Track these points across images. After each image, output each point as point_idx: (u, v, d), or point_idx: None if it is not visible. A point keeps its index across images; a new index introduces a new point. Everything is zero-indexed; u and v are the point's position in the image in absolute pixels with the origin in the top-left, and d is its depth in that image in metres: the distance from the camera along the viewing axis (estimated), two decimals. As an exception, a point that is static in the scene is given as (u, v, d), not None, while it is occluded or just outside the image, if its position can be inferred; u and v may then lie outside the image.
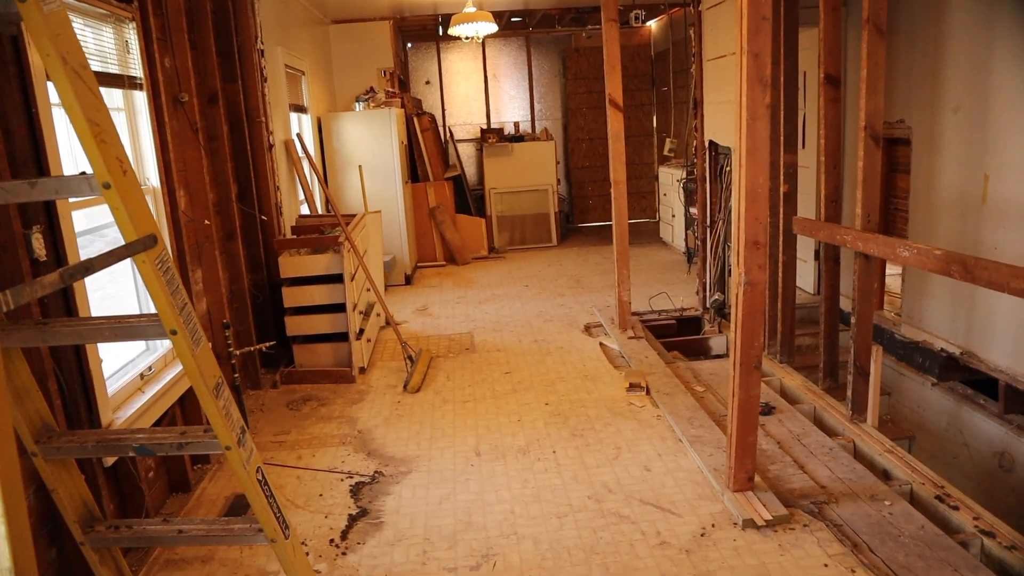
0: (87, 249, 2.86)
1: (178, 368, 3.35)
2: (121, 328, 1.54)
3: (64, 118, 2.58)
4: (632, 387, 4.28)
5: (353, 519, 3.08)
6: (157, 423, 3.14)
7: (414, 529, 2.98)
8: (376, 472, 3.49)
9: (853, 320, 3.67)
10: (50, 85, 2.44)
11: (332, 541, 2.92)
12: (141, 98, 3.24)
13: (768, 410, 3.91)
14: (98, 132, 1.36)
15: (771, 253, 4.46)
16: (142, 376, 3.06)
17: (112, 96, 3.13)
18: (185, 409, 3.51)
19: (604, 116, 10.03)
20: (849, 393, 3.75)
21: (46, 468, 1.73)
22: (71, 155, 2.73)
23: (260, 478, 1.72)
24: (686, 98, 8.98)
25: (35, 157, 2.36)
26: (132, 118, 3.23)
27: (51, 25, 1.27)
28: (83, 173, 1.49)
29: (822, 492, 3.12)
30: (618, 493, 3.16)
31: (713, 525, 2.86)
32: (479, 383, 4.61)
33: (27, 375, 1.69)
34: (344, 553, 2.84)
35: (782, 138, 4.32)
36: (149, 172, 3.30)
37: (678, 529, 2.84)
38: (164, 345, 3.44)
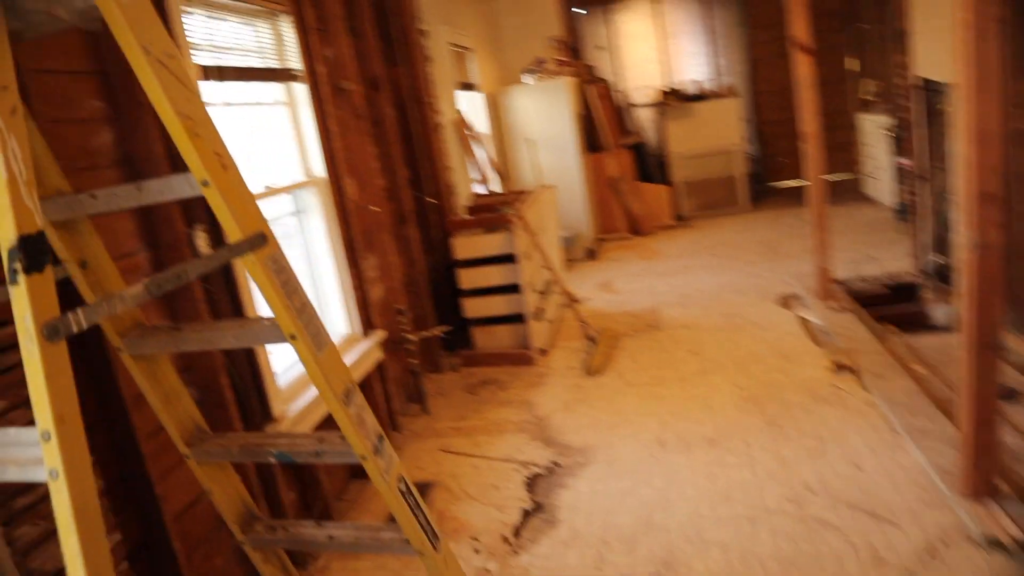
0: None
1: (357, 352, 3.37)
2: (244, 332, 1.45)
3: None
4: (837, 367, 3.78)
5: (527, 515, 2.93)
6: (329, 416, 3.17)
7: (590, 528, 2.77)
8: (552, 463, 3.32)
9: None
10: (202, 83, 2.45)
11: (504, 538, 2.79)
12: (302, 90, 3.24)
13: (1010, 394, 3.28)
14: (190, 126, 1.25)
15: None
16: (316, 368, 3.08)
17: (274, 90, 3.16)
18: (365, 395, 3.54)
19: (792, 65, 9.20)
20: (1122, 373, 3.05)
21: (199, 470, 1.70)
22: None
23: (403, 488, 1.57)
24: (889, 34, 7.94)
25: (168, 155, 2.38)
26: (294, 110, 3.25)
27: (128, 14, 1.16)
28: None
29: (1090, 499, 2.53)
30: (822, 495, 2.76)
31: (943, 541, 2.39)
32: (664, 364, 4.30)
33: (174, 378, 1.66)
34: (516, 552, 2.69)
35: (1010, 60, 3.57)
36: (314, 163, 3.31)
37: (898, 544, 2.41)
38: (342, 328, 3.48)
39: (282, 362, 3.00)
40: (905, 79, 4.76)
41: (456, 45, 5.94)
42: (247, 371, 2.54)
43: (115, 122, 2.19)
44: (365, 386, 3.54)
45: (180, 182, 1.32)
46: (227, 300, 2.48)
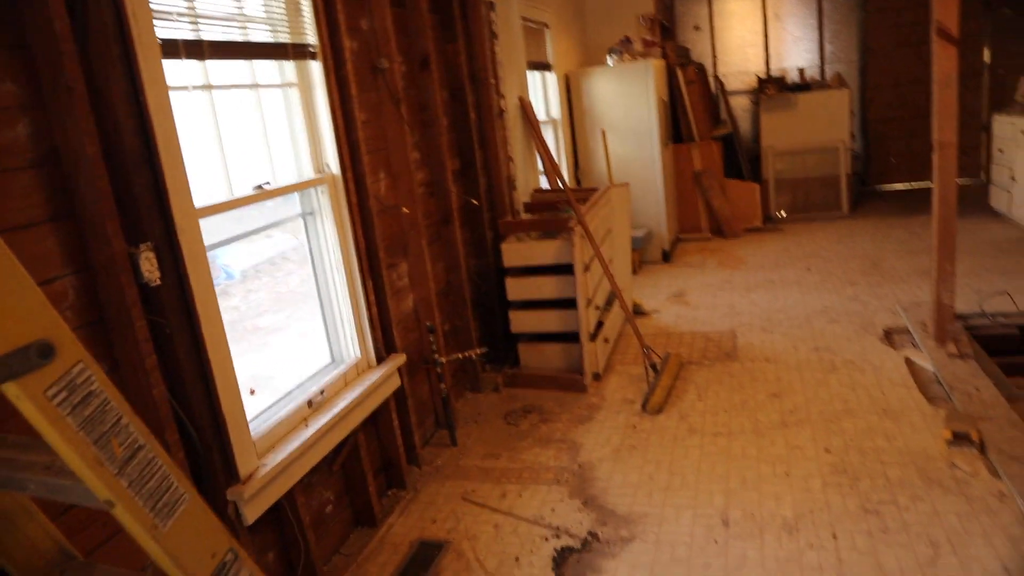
0: (264, 254, 2.42)
1: (367, 383, 2.86)
2: (52, 484, 0.93)
3: (184, 105, 2.10)
4: (956, 438, 3.05)
5: (549, 608, 2.37)
6: (331, 457, 2.67)
7: (625, 643, 2.19)
8: (589, 534, 2.74)
9: None
10: (167, 63, 1.94)
11: (516, 645, 2.24)
12: (317, 70, 2.71)
13: None
14: None
15: None
16: (310, 403, 2.58)
17: (284, 69, 2.63)
18: (378, 431, 3.04)
19: (914, 55, 8.14)
20: None
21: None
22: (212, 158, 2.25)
23: None
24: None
25: (147, 157, 1.88)
26: (307, 94, 2.72)
27: None
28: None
29: None
30: (936, 632, 2.09)
31: None
32: (737, 408, 3.64)
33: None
34: (527, 670, 2.14)
35: None
36: (328, 156, 2.78)
37: None
38: (352, 352, 2.97)
39: (267, 399, 2.52)
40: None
41: (530, 20, 5.32)
42: (207, 419, 2.04)
43: (34, 111, 1.70)
44: (379, 420, 3.03)
45: None
46: (185, 337, 1.98)
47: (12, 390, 0.81)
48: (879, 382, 3.74)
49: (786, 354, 4.24)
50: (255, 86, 2.49)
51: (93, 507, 0.89)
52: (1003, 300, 4.59)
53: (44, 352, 0.83)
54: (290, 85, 2.65)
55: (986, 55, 7.89)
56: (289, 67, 2.64)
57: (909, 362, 3.93)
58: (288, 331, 3.92)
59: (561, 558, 2.62)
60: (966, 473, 2.86)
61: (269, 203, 2.59)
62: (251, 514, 2.15)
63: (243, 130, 2.47)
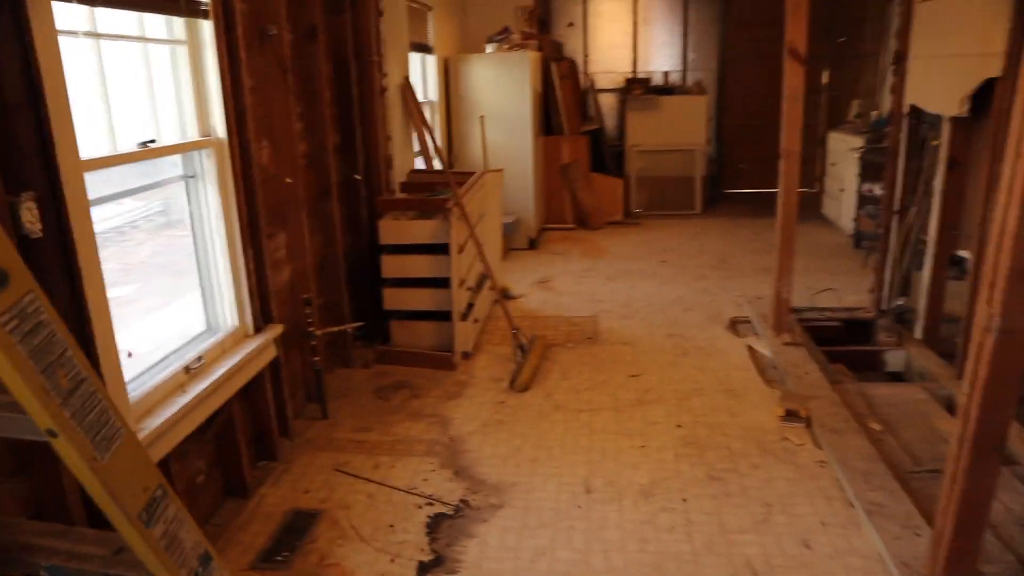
0: (110, 222, 2.35)
1: (244, 351, 2.83)
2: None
3: (74, 50, 2.02)
4: (788, 415, 3.42)
5: (424, 569, 2.47)
6: (205, 426, 2.64)
7: (496, 598, 2.33)
8: (461, 501, 2.86)
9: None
10: (56, 6, 1.86)
11: (392, 603, 2.32)
12: (208, 29, 2.65)
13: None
14: None
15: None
16: (188, 370, 2.54)
17: (172, 26, 2.56)
18: (251, 401, 3.01)
19: (767, 69, 8.79)
20: (1098, 465, 2.76)
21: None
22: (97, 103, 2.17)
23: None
24: (873, 51, 7.66)
25: (31, 101, 1.80)
26: (196, 53, 2.65)
27: None
28: None
29: (1065, 620, 2.21)
30: (767, 580, 2.38)
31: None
32: (599, 386, 3.88)
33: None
34: (404, 625, 2.24)
35: None
36: (214, 120, 2.72)
37: (856, 666, 2.04)
38: (230, 321, 2.93)
39: (148, 360, 2.45)
40: (894, 103, 4.39)
41: (415, 0, 5.34)
42: (82, 379, 1.98)
43: (-92, 39, 1.60)
44: (253, 390, 3.01)
45: None
46: (65, 293, 1.90)
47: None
48: (725, 366, 4.10)
49: (643, 339, 4.55)
50: (143, 39, 2.41)
51: (31, 439, 0.90)
52: (829, 296, 5.14)
53: (1, 279, 0.83)
54: (179, 43, 2.57)
55: (825, 77, 8.67)
56: (179, 24, 2.56)
57: (751, 348, 4.34)
58: (141, 304, 3.76)
59: (435, 524, 2.73)
60: (795, 445, 3.22)
61: (151, 163, 2.51)
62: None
63: (128, 85, 2.38)
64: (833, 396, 3.61)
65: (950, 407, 3.63)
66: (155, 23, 2.51)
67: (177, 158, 2.67)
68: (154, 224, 3.27)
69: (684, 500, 2.83)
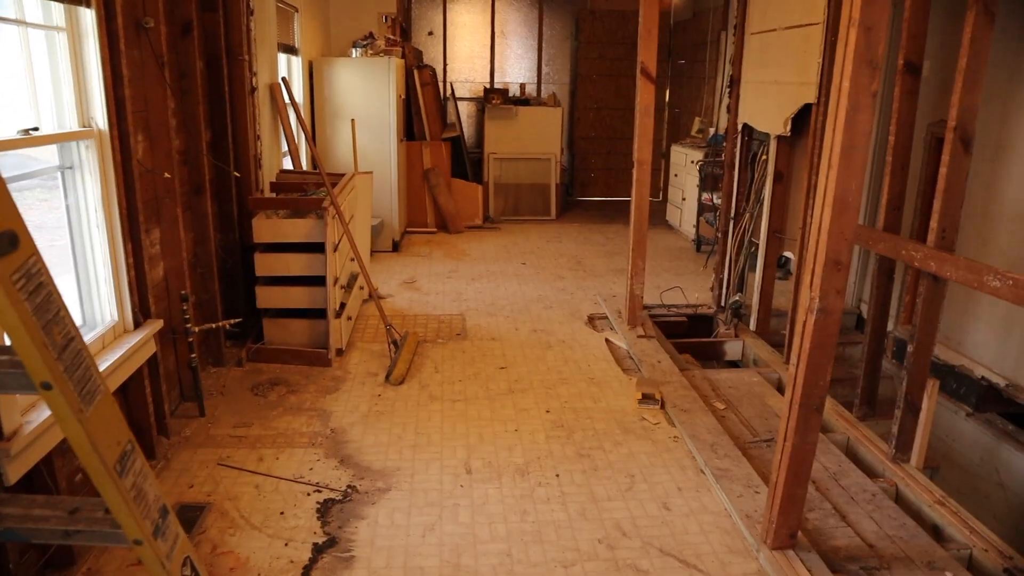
0: None
1: (124, 347, 2.80)
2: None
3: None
4: (645, 399, 3.78)
5: (319, 550, 2.57)
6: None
7: (391, 570, 2.47)
8: (349, 487, 2.98)
9: (910, 348, 3.19)
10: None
11: (291, 582, 2.41)
12: (89, 18, 2.62)
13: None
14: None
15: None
16: (71, 363, 2.49)
17: (51, 11, 2.52)
18: (128, 399, 2.97)
19: (615, 85, 9.45)
20: (894, 429, 3.29)
21: None
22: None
23: (188, 574, 1.19)
24: (704, 74, 8.40)
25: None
26: (76, 41, 2.61)
27: None
28: None
29: (871, 554, 2.66)
30: (634, 538, 2.68)
31: (755, 599, 2.38)
32: (471, 378, 4.09)
33: None
34: (304, 600, 2.33)
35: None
36: (95, 110, 2.69)
37: (711, 600, 2.37)
38: (109, 315, 2.88)
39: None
40: (730, 122, 4.92)
41: (283, 1, 5.34)
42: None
43: None
44: (131, 387, 2.97)
45: None
46: None
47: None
48: (586, 357, 4.44)
49: (509, 334, 4.81)
50: (21, 23, 2.36)
51: (24, 393, 0.97)
52: (675, 294, 5.64)
53: (13, 240, 0.90)
54: (58, 29, 2.53)
55: (667, 95, 9.40)
56: (57, 10, 2.52)
57: (608, 342, 4.71)
58: None
59: (325, 508, 2.83)
60: (652, 424, 3.58)
61: (26, 152, 2.45)
62: (14, 473, 2.06)
63: (5, 71, 2.33)
64: (683, 381, 4.02)
65: (780, 388, 4.15)
66: (32, 8, 2.46)
67: (53, 148, 2.62)
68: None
69: (557, 475, 3.10)
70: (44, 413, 2.21)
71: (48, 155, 2.65)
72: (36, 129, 2.36)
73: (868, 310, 3.73)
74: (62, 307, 1.01)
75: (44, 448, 2.24)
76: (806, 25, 4.00)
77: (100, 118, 2.70)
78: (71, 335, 1.00)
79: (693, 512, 2.85)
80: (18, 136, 2.28)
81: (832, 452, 3.39)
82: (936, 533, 2.92)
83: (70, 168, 2.67)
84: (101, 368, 2.61)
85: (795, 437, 2.41)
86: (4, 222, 0.91)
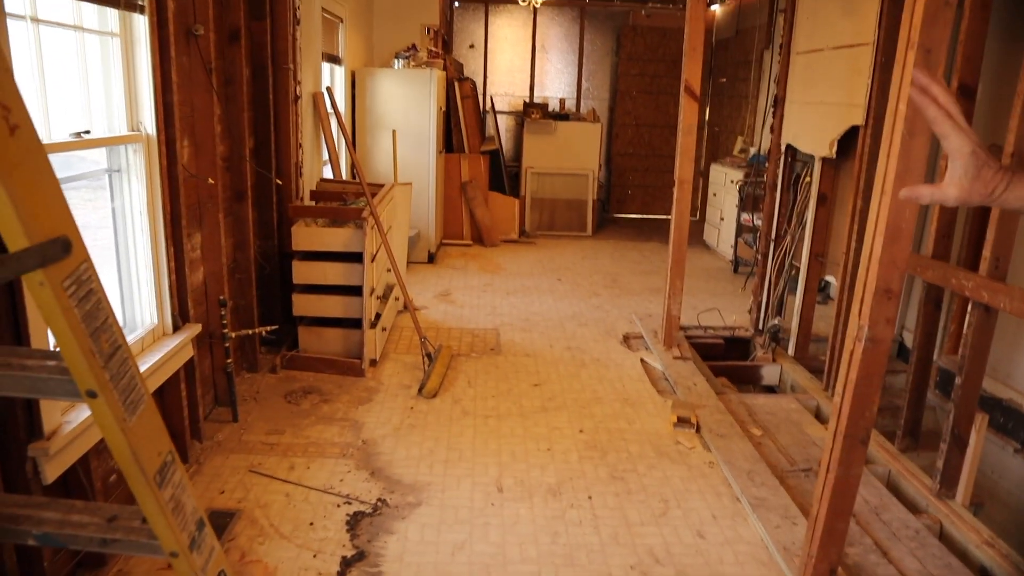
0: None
1: (163, 350, 2.82)
2: (13, 380, 0.99)
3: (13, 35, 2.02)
4: (680, 422, 3.71)
5: (347, 564, 2.55)
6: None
7: (419, 588, 2.44)
8: (379, 500, 2.95)
9: (958, 380, 3.09)
10: (12, -6, 1.87)
11: (319, 595, 2.39)
12: (142, 24, 2.66)
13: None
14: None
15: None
16: (110, 365, 2.51)
17: (107, 17, 2.56)
18: (164, 402, 2.98)
19: (654, 102, 9.41)
20: (939, 463, 3.18)
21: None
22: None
23: (222, 589, 1.17)
24: (746, 92, 8.32)
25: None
26: (128, 47, 2.65)
27: None
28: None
29: (915, 594, 2.56)
30: (667, 565, 2.61)
31: (794, 637, 2.30)
32: (504, 394, 4.06)
33: None
34: (332, 615, 2.31)
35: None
36: (144, 115, 2.72)
37: (748, 635, 2.29)
38: (149, 318, 2.90)
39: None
40: (773, 142, 4.85)
41: (328, 12, 5.40)
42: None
43: None
44: (167, 390, 2.98)
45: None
46: (6, 322, 1.89)
47: (38, 276, 0.86)
48: (620, 377, 4.38)
49: (543, 351, 4.77)
50: (79, 28, 2.40)
51: (69, 400, 0.96)
52: (711, 316, 5.56)
53: (66, 246, 0.90)
54: (112, 35, 2.57)
55: (707, 113, 9.32)
56: (113, 16, 2.56)
57: (644, 362, 4.64)
58: None
59: (355, 521, 2.80)
60: (687, 448, 3.51)
61: (77, 155, 2.49)
62: (52, 473, 2.08)
63: (61, 74, 2.37)
64: (719, 405, 3.94)
65: (818, 416, 4.05)
66: (89, 14, 2.50)
67: (102, 151, 2.65)
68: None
69: (590, 497, 3.04)
70: (83, 413, 2.23)
71: (95, 155, 2.69)
72: (87, 132, 2.39)
73: (913, 339, 3.62)
74: (110, 314, 1.00)
75: (82, 448, 2.26)
76: (855, 46, 3.93)
77: (149, 123, 2.73)
78: (118, 343, 0.99)
79: (728, 541, 2.78)
80: (70, 139, 2.31)
81: (873, 484, 3.29)
82: (983, 575, 2.81)
83: (117, 171, 2.70)
84: (143, 368, 2.63)
85: (838, 469, 2.34)
86: (59, 227, 0.90)
